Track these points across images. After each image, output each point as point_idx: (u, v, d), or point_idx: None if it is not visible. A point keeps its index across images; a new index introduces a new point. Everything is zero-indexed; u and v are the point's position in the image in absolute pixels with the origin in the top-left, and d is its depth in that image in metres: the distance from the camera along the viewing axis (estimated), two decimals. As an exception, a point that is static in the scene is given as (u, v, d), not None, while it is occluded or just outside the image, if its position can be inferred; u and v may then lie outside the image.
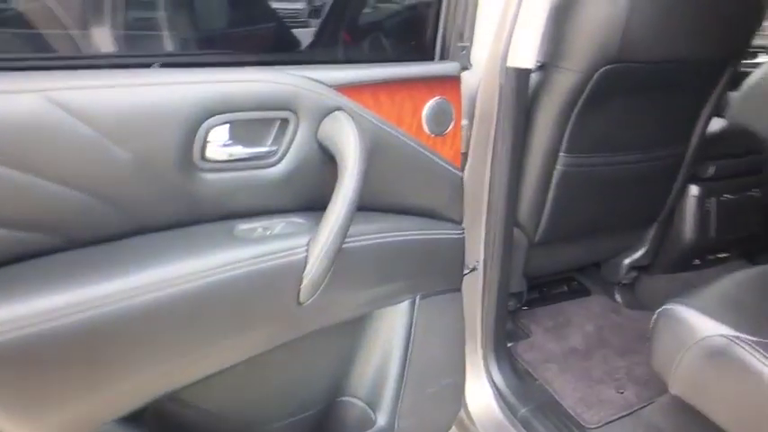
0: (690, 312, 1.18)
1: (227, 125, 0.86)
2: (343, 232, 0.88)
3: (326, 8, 1.25)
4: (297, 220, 0.96)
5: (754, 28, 1.47)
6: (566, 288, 2.10)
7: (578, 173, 1.55)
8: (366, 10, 1.33)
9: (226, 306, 0.84)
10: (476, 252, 1.44)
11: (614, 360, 1.72)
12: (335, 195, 0.88)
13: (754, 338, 1.09)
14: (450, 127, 1.12)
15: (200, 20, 1.17)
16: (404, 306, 1.15)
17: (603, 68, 1.34)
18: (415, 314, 1.16)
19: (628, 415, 1.51)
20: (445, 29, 1.14)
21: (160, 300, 0.77)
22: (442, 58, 1.16)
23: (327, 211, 0.89)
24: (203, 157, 0.85)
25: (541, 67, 1.40)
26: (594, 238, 1.83)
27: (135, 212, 0.82)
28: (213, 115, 0.84)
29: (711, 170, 1.84)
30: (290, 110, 0.91)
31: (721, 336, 1.11)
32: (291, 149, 0.93)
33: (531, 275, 1.82)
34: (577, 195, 1.61)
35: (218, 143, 0.86)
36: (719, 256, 2.06)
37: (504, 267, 1.48)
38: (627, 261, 1.94)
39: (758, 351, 1.06)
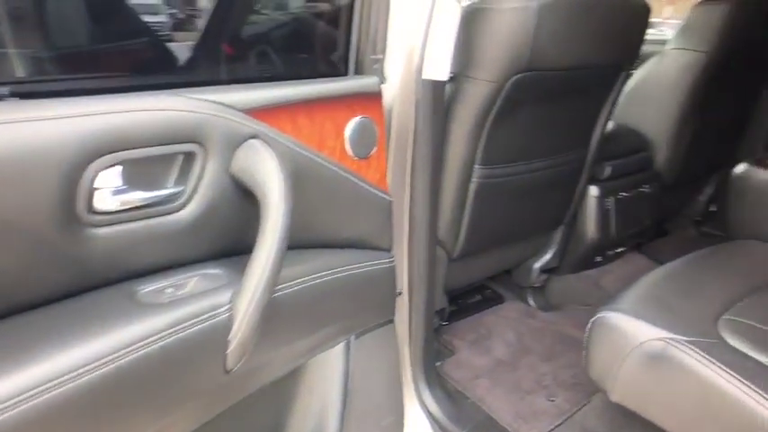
0: (624, 318, 1.17)
1: (119, 167, 0.70)
2: (273, 280, 0.75)
3: (221, 19, 1.09)
4: (213, 271, 0.81)
5: (642, 36, 1.54)
6: (480, 297, 2.08)
7: (493, 184, 1.51)
8: (271, 22, 1.19)
9: (139, 392, 0.68)
10: (399, 274, 1.36)
11: (539, 366, 1.71)
12: (261, 238, 0.75)
13: (688, 338, 1.10)
14: (375, 148, 1.02)
15: (62, 34, 0.96)
16: (339, 349, 1.03)
17: (515, 77, 1.31)
18: (351, 356, 1.05)
19: (563, 423, 1.50)
20: (358, 41, 1.04)
21: (52, 402, 0.59)
22: (357, 72, 1.06)
23: (253, 257, 0.75)
24: (90, 209, 0.68)
25: (453, 79, 1.34)
26: (507, 246, 1.82)
27: (2, 288, 0.63)
28: (100, 156, 0.67)
29: (608, 171, 1.91)
30: (196, 142, 0.76)
31: (658, 339, 1.11)
32: (200, 188, 0.78)
33: (449, 290, 1.77)
34: (493, 207, 1.58)
35: (109, 190, 0.69)
36: (617, 251, 2.15)
37: (430, 289, 1.40)
38: (537, 265, 1.96)
39: (694, 350, 1.07)
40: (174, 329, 0.69)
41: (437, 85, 1.20)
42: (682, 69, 1.98)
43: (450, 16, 1.15)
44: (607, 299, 2.02)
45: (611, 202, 1.94)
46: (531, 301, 2.03)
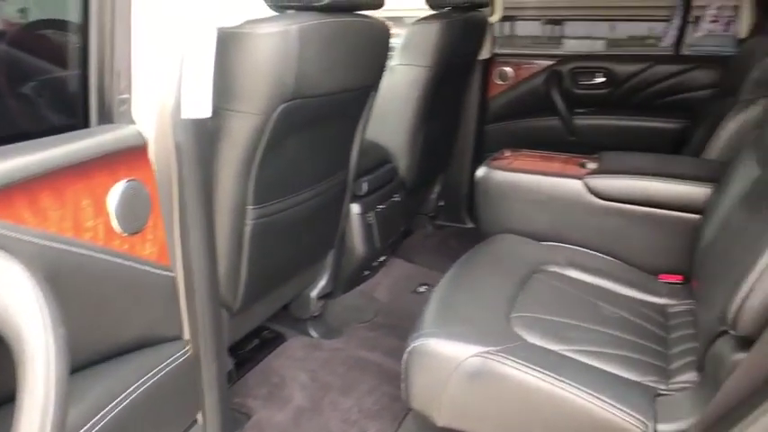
0: (438, 343, 1.16)
1: None
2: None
3: None
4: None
5: (386, 56, 1.57)
6: (258, 341, 1.90)
7: (268, 223, 1.37)
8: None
9: None
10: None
11: (342, 402, 1.63)
12: (21, 408, 0.48)
13: (497, 348, 1.13)
14: (150, 218, 0.79)
15: None
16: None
17: (282, 106, 1.19)
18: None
19: (382, 456, 1.44)
20: (99, 78, 0.79)
21: None
22: (103, 120, 0.81)
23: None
24: None
25: (213, 115, 1.15)
26: (285, 283, 1.69)
27: None
28: None
29: (365, 187, 1.92)
30: None
31: (474, 356, 1.12)
32: None
33: (230, 347, 1.56)
34: (271, 247, 1.43)
35: None
36: (380, 260, 2.20)
37: (221, 355, 1.19)
38: (314, 293, 1.87)
39: (506, 358, 1.11)
40: None
41: (200, 125, 1.01)
42: (409, 83, 2.11)
43: (208, 42, 0.97)
44: (384, 309, 2.08)
45: (371, 216, 1.96)
46: (313, 332, 1.94)
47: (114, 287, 0.71)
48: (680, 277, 1.52)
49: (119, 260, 0.71)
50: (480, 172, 1.77)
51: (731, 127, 1.70)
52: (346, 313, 2.05)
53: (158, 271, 0.80)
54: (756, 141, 1.32)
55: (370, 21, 1.41)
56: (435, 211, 2.85)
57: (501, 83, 2.71)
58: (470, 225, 2.84)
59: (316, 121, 1.37)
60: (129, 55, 0.87)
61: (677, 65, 2.43)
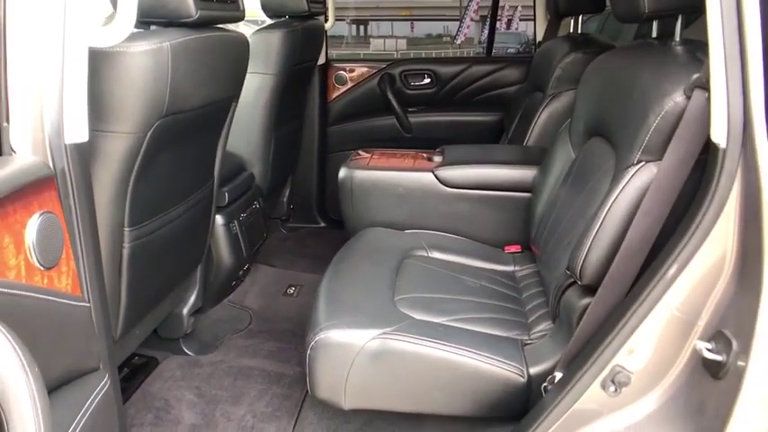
0: (338, 333, 1.24)
1: None
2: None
3: None
4: None
5: (246, 68, 1.61)
6: (128, 370, 1.81)
7: (146, 244, 1.34)
8: None
9: None
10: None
11: (234, 411, 1.63)
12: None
13: (392, 328, 1.26)
14: (63, 249, 0.77)
15: None
16: None
17: (156, 124, 1.18)
18: None
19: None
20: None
21: None
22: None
23: None
24: None
25: (86, 136, 1.10)
26: (158, 305, 1.64)
27: None
28: None
29: (227, 197, 1.92)
30: None
31: (374, 339, 1.23)
32: None
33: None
34: (148, 269, 1.40)
35: None
36: (245, 268, 2.21)
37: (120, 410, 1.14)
38: (185, 311, 1.83)
39: (402, 335, 1.24)
40: None
41: (81, 149, 0.98)
42: (256, 91, 2.14)
43: (82, 64, 0.94)
44: (257, 316, 2.09)
45: (235, 225, 1.97)
46: (188, 350, 1.89)
47: (41, 324, 0.68)
48: (518, 247, 1.79)
49: (42, 296, 0.69)
50: (342, 173, 1.89)
51: (543, 117, 2.03)
52: (219, 326, 2.03)
53: (75, 303, 0.78)
54: (569, 129, 1.61)
55: (232, 34, 1.44)
56: (287, 214, 2.90)
57: (339, 86, 2.85)
58: (323, 224, 2.95)
59: (185, 135, 1.37)
60: (6, 83, 0.83)
61: (490, 65, 2.78)
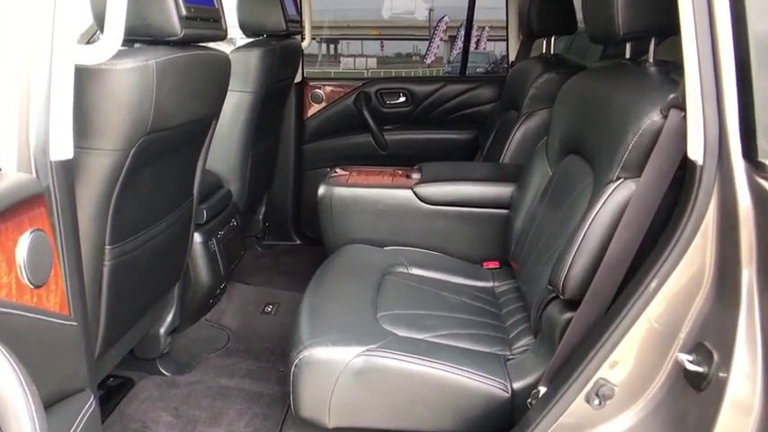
0: (322, 350, 1.24)
1: None
2: None
3: None
4: None
5: (227, 86, 1.60)
6: (103, 392, 1.76)
7: (127, 262, 1.32)
8: None
9: None
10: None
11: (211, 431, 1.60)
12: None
13: (376, 345, 1.26)
14: (53, 269, 0.75)
15: None
16: None
17: (140, 141, 1.17)
18: None
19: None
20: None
21: None
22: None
23: None
24: None
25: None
26: (136, 324, 1.61)
27: None
28: None
29: (205, 214, 1.90)
30: None
31: (358, 356, 1.23)
32: None
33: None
34: (128, 288, 1.37)
35: None
36: (222, 287, 2.18)
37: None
38: (163, 330, 1.80)
39: (386, 352, 1.24)
40: None
41: (66, 166, 0.96)
42: (235, 109, 2.14)
43: (69, 81, 0.94)
44: (235, 335, 2.06)
45: (213, 243, 1.95)
46: (165, 370, 1.85)
47: (30, 343, 0.67)
48: (497, 263, 1.82)
49: (32, 315, 0.67)
50: (322, 190, 1.89)
51: (518, 135, 2.07)
52: (197, 345, 2.00)
53: (64, 321, 0.76)
54: (545, 147, 1.65)
55: (214, 53, 1.44)
56: (263, 232, 2.88)
57: (315, 104, 2.86)
58: (298, 241, 2.94)
59: (167, 152, 1.36)
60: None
61: (465, 84, 2.84)
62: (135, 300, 1.46)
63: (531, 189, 1.65)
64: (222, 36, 1.43)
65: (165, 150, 1.33)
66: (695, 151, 0.94)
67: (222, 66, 1.51)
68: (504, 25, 2.81)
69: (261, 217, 2.84)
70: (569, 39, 3.23)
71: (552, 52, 2.28)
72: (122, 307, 1.37)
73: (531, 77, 2.08)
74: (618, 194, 1.10)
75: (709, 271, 0.95)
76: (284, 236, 2.94)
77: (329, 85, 2.88)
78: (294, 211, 2.93)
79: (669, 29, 1.18)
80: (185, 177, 1.61)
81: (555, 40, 2.29)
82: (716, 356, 0.90)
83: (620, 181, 1.11)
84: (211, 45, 1.51)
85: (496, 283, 1.72)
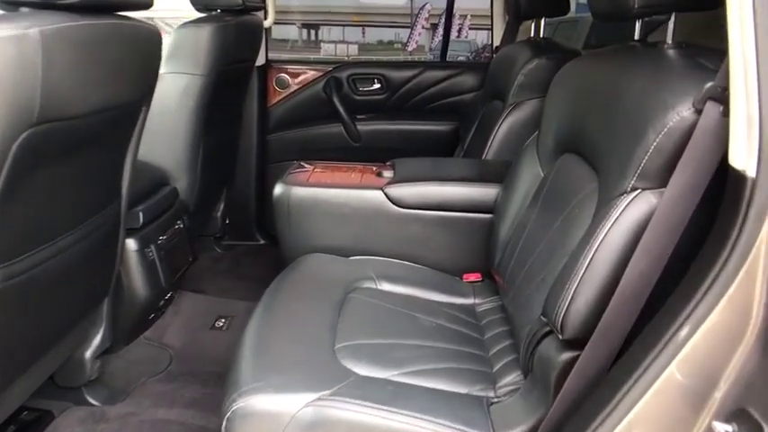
0: (264, 399, 0.99)
1: None
2: None
3: None
4: None
5: (158, 67, 1.34)
6: (15, 427, 1.50)
7: (19, 284, 1.05)
8: None
9: None
10: None
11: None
12: None
13: (330, 391, 1.02)
14: None
15: None
16: None
17: (24, 135, 0.90)
18: None
19: None
20: None
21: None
22: None
23: None
24: None
25: None
26: (47, 352, 1.34)
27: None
28: None
29: (141, 217, 1.64)
30: None
31: (307, 405, 0.98)
32: None
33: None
34: (26, 314, 1.11)
35: None
36: (166, 298, 1.92)
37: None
38: (88, 354, 1.54)
39: (343, 401, 1.00)
40: None
41: None
42: (181, 94, 1.87)
43: None
44: (179, 355, 1.81)
45: (152, 251, 1.68)
46: (92, 399, 1.59)
47: None
48: (479, 275, 1.59)
49: None
50: (278, 189, 1.64)
51: (503, 129, 1.84)
52: (133, 368, 1.73)
53: None
54: (536, 143, 1.41)
55: (136, 24, 1.17)
56: (222, 231, 2.62)
57: (280, 90, 2.59)
58: (262, 241, 2.69)
59: (73, 148, 1.09)
60: None
61: (445, 70, 2.59)
62: (39, 327, 1.20)
63: (520, 192, 1.42)
64: (145, 3, 1.16)
65: (68, 146, 1.06)
66: (742, 158, 0.71)
67: (148, 40, 1.24)
68: (488, 12, 2.56)
69: (219, 215, 2.57)
70: (552, 27, 3.00)
71: (542, 36, 2.04)
72: (22, 336, 1.12)
73: (519, 63, 1.84)
74: (634, 210, 0.87)
75: (756, 317, 0.72)
76: (246, 235, 2.68)
77: (296, 70, 2.61)
78: (257, 207, 2.67)
79: (694, 2, 0.95)
80: (107, 177, 1.34)
81: (545, 22, 2.05)
82: (767, 429, 0.68)
83: (636, 192, 0.87)
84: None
85: (478, 300, 1.49)
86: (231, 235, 2.68)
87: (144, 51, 1.24)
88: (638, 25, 1.13)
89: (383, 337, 1.23)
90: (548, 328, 1.00)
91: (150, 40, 1.26)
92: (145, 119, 1.39)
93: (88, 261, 1.33)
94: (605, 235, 0.87)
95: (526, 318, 1.13)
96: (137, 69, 1.24)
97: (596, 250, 0.88)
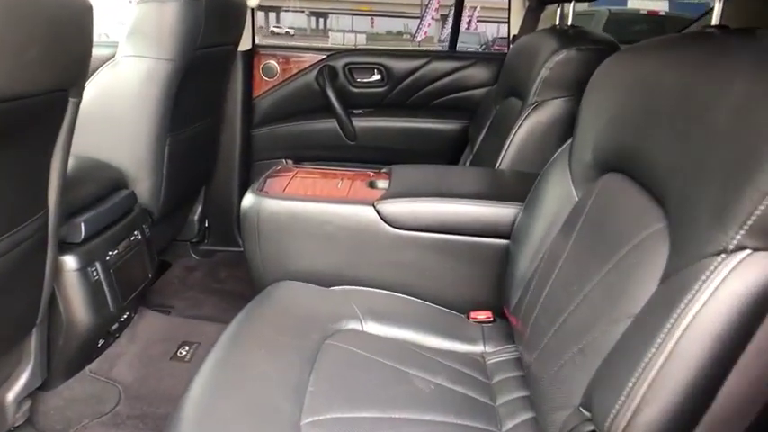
0: None
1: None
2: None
3: None
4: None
5: (89, 46, 1.05)
6: None
7: None
8: None
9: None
10: None
11: None
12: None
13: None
14: None
15: None
16: None
17: None
18: None
19: None
20: None
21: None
22: None
23: None
24: None
25: None
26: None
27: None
28: None
29: (83, 229, 1.36)
30: None
31: None
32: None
33: None
34: None
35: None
36: (121, 320, 1.64)
37: None
38: (12, 396, 1.26)
39: None
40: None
41: None
42: (142, 81, 1.58)
43: None
44: (130, 392, 1.53)
45: (96, 269, 1.40)
46: (20, 445, 1.32)
47: None
48: (489, 314, 1.30)
49: None
50: (246, 201, 1.35)
51: (522, 132, 1.54)
52: (73, 407, 1.45)
53: None
54: (568, 156, 1.12)
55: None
56: (199, 235, 2.34)
57: (268, 79, 2.30)
58: (244, 248, 2.40)
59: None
60: None
61: (454, 61, 2.28)
62: None
63: (546, 216, 1.13)
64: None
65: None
66: None
67: (75, 13, 0.95)
68: (497, 5, 2.26)
69: (197, 218, 2.29)
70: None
71: (570, 23, 1.74)
72: None
73: (543, 56, 1.54)
74: (739, 280, 0.57)
75: None
76: (227, 240, 2.40)
77: (286, 56, 2.31)
78: (240, 209, 2.38)
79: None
80: (26, 184, 1.05)
81: (573, 7, 1.74)
82: None
83: (744, 254, 0.58)
84: None
85: (488, 348, 1.21)
86: (210, 240, 2.40)
87: (69, 27, 0.95)
88: (717, 5, 0.84)
89: (364, 408, 0.95)
90: (592, 428, 0.72)
91: (77, 13, 0.97)
92: (76, 112, 1.10)
93: (6, 285, 1.05)
94: (694, 316, 0.58)
95: (557, 395, 0.84)
96: (57, 48, 0.95)
97: (679, 338, 0.58)
